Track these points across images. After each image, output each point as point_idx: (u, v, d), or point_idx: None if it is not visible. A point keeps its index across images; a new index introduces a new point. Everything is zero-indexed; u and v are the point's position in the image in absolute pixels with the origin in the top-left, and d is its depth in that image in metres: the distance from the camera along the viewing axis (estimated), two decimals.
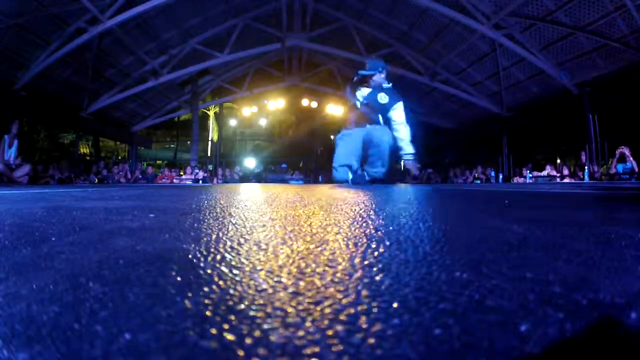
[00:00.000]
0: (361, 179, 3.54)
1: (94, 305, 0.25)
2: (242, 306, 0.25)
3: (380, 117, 3.61)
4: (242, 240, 0.49)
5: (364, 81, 3.64)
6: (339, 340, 0.20)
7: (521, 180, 8.81)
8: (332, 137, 7.09)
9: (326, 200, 1.32)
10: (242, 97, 12.89)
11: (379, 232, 0.55)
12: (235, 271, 0.34)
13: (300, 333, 0.21)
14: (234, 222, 0.69)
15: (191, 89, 11.79)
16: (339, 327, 0.22)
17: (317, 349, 0.19)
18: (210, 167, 12.79)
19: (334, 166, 3.67)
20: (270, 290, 0.28)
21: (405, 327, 0.22)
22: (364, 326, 0.22)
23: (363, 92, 3.65)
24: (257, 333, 0.21)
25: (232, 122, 17.56)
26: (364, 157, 3.62)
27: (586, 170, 7.60)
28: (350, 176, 3.61)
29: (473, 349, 0.19)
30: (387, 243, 0.47)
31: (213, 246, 0.45)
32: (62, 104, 8.95)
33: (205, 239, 0.51)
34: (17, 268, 0.36)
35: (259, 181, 10.80)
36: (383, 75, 3.60)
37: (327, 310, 0.24)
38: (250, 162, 12.51)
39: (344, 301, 0.26)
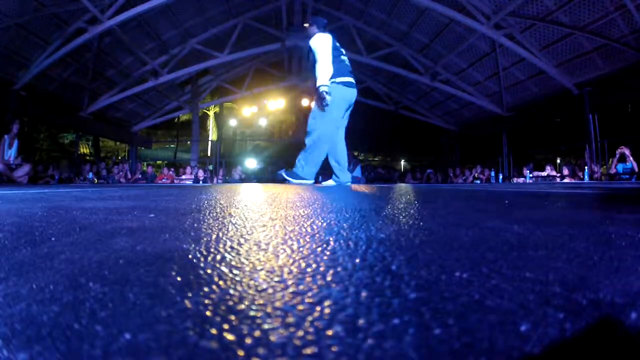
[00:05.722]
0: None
1: (94, 305, 0.25)
2: (242, 306, 0.25)
3: None
4: (242, 240, 0.49)
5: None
6: (338, 340, 0.20)
7: (521, 180, 8.81)
8: None
9: (324, 199, 1.32)
10: (242, 97, 12.88)
11: (380, 234, 0.55)
12: (235, 271, 0.34)
13: (300, 333, 0.21)
14: (234, 222, 0.68)
15: (191, 89, 11.79)
16: (339, 327, 0.22)
17: (316, 349, 0.19)
18: (210, 167, 12.79)
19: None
20: (270, 290, 0.28)
21: (405, 327, 0.22)
22: (364, 326, 0.22)
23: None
24: (257, 333, 0.21)
25: (232, 122, 17.54)
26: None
27: (586, 170, 7.60)
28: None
29: (473, 349, 0.19)
30: (388, 244, 0.47)
31: (213, 246, 0.45)
32: (62, 104, 8.94)
33: (205, 239, 0.51)
34: (17, 268, 0.36)
35: (259, 181, 10.80)
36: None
37: (327, 311, 0.24)
38: (250, 163, 12.51)
39: (344, 301, 0.26)
